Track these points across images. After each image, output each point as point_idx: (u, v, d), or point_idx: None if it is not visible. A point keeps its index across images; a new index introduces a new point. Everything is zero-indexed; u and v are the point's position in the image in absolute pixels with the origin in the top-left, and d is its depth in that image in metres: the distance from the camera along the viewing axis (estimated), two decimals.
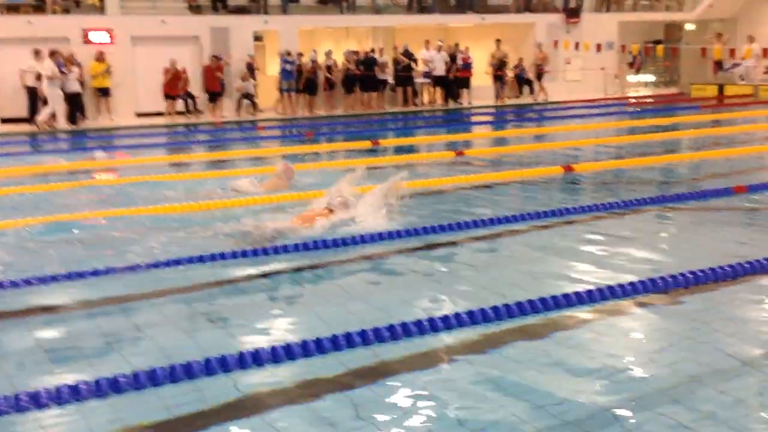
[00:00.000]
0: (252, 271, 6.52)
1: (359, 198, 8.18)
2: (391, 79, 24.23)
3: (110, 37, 21.88)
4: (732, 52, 24.36)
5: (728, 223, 8.09)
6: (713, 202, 8.88)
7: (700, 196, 9.06)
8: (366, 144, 15.20)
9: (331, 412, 3.93)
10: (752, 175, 10.73)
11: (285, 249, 7.01)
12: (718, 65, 26.63)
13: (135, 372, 4.28)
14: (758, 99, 24.30)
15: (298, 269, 6.59)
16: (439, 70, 24.68)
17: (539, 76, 26.05)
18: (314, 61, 23.14)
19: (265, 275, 6.43)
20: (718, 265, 5.98)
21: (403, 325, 4.89)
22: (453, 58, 24.90)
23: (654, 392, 4.05)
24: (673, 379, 4.20)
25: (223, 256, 6.78)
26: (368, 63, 23.51)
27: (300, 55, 23.03)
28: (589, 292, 5.49)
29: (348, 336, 4.71)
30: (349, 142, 15.87)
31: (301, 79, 22.90)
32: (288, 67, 22.71)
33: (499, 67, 25.41)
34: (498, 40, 25.52)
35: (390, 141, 16.32)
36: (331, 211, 7.98)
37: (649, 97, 27.44)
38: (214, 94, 22.16)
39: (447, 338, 4.86)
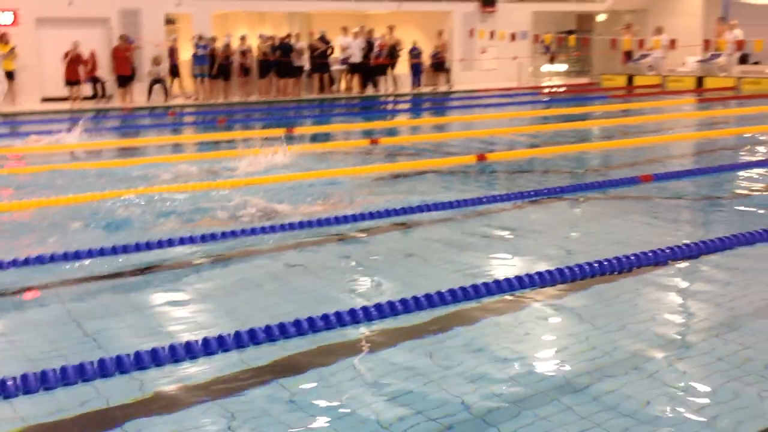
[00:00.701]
0: (151, 262, 6.34)
1: None
2: (307, 66, 24.00)
3: (14, 17, 21.00)
4: (640, 43, 24.98)
5: (635, 212, 8.23)
6: (621, 191, 9.05)
7: (609, 185, 9.22)
8: (281, 131, 15.00)
9: (238, 408, 3.82)
10: (659, 164, 10.99)
11: (182, 241, 6.83)
12: (628, 56, 27.27)
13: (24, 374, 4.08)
14: (666, 89, 25.00)
15: (202, 261, 6.43)
16: (357, 57, 24.55)
17: (439, 65, 26.17)
18: (228, 46, 22.72)
19: (164, 268, 6.25)
20: (623, 254, 6.07)
21: (310, 320, 4.79)
22: (370, 45, 24.80)
23: (560, 384, 4.06)
24: (580, 369, 4.23)
25: (115, 250, 6.55)
26: (283, 49, 23.22)
27: (213, 39, 22.57)
28: (497, 282, 5.50)
29: (251, 332, 4.60)
30: (263, 130, 15.64)
31: (214, 64, 22.46)
32: (201, 51, 22.25)
33: (390, 55, 25.37)
34: (390, 27, 25.48)
35: (306, 128, 16.14)
36: None
37: (561, 86, 27.92)
38: (124, 78, 21.51)
39: (356, 332, 4.79)
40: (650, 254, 6.15)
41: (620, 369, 4.23)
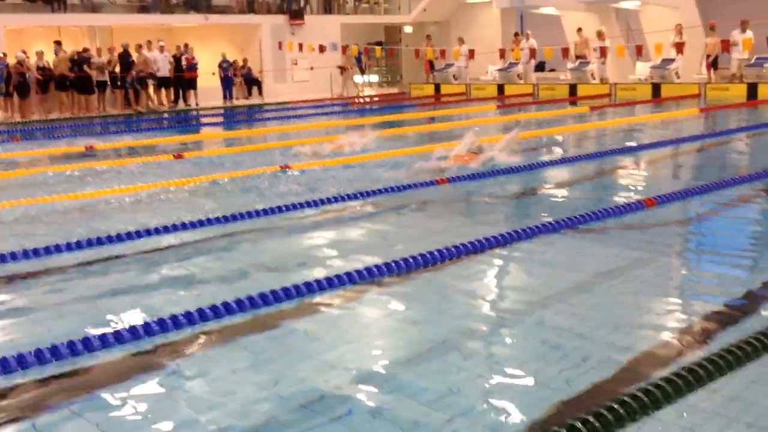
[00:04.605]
0: None
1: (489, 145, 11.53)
2: (109, 81, 23.06)
3: None
4: (443, 53, 25.90)
5: (435, 215, 8.48)
6: (425, 193, 9.26)
7: (411, 187, 9.39)
8: (79, 149, 14.33)
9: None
10: (461, 167, 11.32)
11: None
12: (432, 65, 28.18)
13: None
14: (470, 97, 26.02)
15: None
16: (163, 71, 23.88)
17: (249, 78, 26.15)
18: (21, 63, 21.43)
19: None
20: (425, 251, 6.21)
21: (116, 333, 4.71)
22: (177, 58, 24.21)
23: (395, 364, 4.26)
24: (407, 353, 4.44)
25: None
26: (79, 63, 22.16)
27: (4, 55, 21.23)
28: (318, 281, 5.58)
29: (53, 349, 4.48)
30: (60, 148, 14.87)
31: (10, 82, 21.14)
32: None
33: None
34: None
35: (106, 145, 15.45)
36: (474, 154, 10.95)
37: (373, 96, 28.42)
38: None
39: (183, 334, 4.76)
40: (457, 248, 6.33)
41: (445, 348, 4.44)
